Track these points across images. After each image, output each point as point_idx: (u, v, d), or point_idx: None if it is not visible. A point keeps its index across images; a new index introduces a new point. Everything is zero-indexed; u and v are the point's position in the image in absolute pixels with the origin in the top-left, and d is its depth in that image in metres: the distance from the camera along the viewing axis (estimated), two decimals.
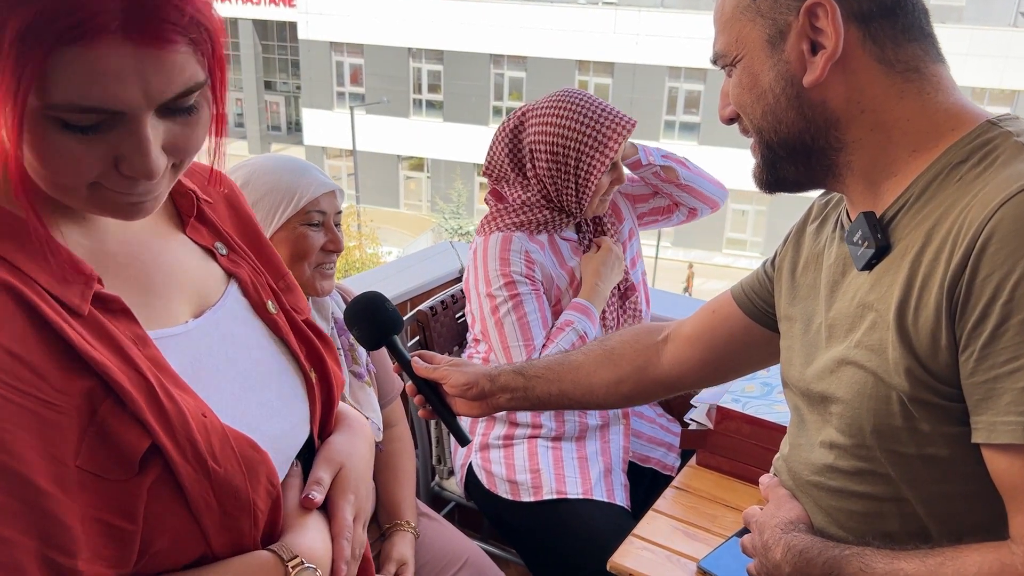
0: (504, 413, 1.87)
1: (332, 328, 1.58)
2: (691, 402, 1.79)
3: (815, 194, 1.09)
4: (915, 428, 0.81)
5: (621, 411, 1.92)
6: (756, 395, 1.73)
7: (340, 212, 1.51)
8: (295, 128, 26.12)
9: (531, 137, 1.79)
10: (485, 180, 1.92)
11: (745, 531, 1.51)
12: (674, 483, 1.68)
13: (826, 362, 0.91)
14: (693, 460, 1.74)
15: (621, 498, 1.81)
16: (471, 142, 20.39)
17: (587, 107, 1.76)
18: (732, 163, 18.24)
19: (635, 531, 1.54)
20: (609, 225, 1.92)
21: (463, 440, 1.32)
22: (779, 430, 1.64)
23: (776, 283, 1.09)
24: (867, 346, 0.84)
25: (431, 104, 21.24)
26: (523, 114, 1.83)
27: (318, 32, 21.24)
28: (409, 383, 1.35)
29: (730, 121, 0.94)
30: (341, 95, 21.92)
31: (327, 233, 1.47)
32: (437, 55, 20.57)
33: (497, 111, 20.44)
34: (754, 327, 1.16)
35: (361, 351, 1.60)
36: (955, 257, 0.74)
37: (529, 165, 1.80)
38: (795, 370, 0.99)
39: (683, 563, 1.47)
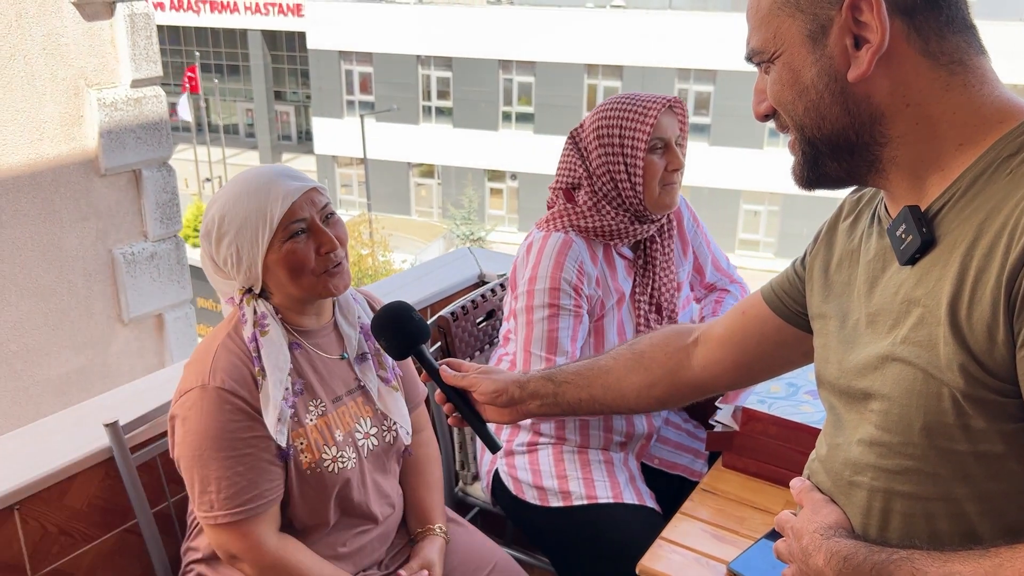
0: (528, 422, 1.86)
1: (358, 333, 1.57)
2: (716, 404, 1.78)
3: (842, 193, 1.09)
4: (968, 425, 0.80)
5: (646, 429, 1.91)
6: (781, 396, 1.71)
7: (327, 206, 1.44)
8: (305, 137, 26.24)
9: (586, 132, 1.80)
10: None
11: (775, 533, 1.50)
12: (701, 485, 1.67)
13: (867, 358, 0.89)
14: (719, 462, 1.73)
15: (650, 502, 1.80)
16: (481, 148, 20.43)
17: (628, 93, 1.79)
18: (743, 163, 18.24)
19: (663, 534, 1.53)
20: (664, 254, 1.89)
21: (493, 447, 1.32)
22: (805, 431, 1.63)
23: (808, 282, 1.08)
24: (914, 342, 0.82)
25: (440, 111, 21.28)
26: (583, 120, 1.85)
27: (327, 41, 21.33)
28: (438, 392, 1.34)
29: (765, 118, 0.93)
30: (351, 103, 22.00)
31: (316, 237, 1.42)
32: (446, 62, 20.62)
33: (506, 116, 20.47)
34: (785, 327, 1.16)
35: (387, 356, 1.59)
36: (1013, 251, 0.73)
37: (588, 161, 1.80)
38: (832, 368, 0.98)
39: (713, 566, 1.46)
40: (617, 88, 19.06)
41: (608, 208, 1.78)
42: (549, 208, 1.88)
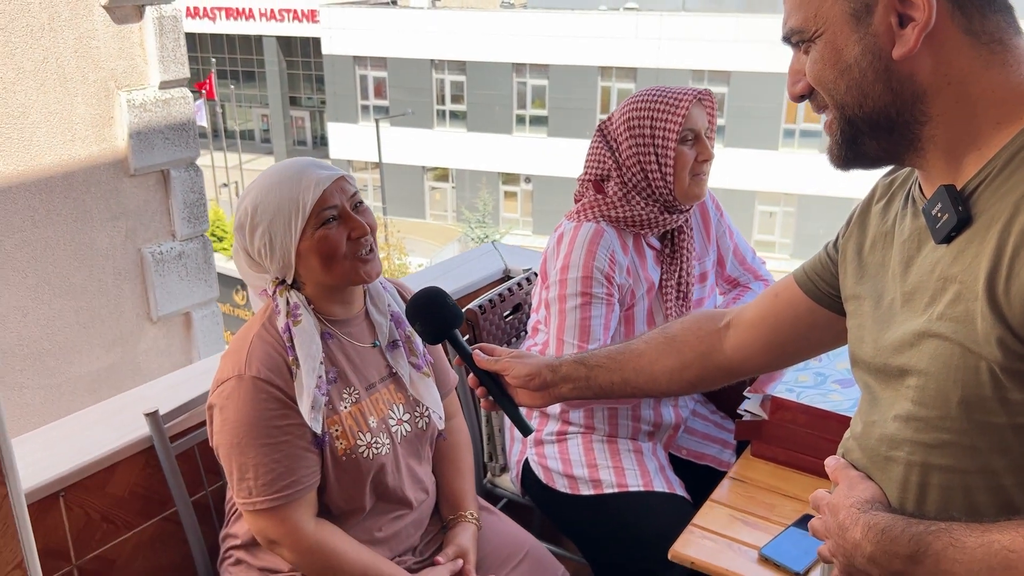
0: (557, 412, 1.88)
1: (388, 321, 1.60)
2: (744, 393, 1.80)
3: (872, 180, 1.10)
4: (1006, 398, 0.81)
5: (673, 419, 1.92)
6: (810, 385, 1.73)
7: (356, 194, 1.48)
8: (321, 142, 26.37)
9: (615, 124, 1.82)
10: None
11: (805, 519, 1.51)
12: (730, 474, 1.69)
13: (904, 335, 0.91)
14: (747, 452, 1.74)
15: (680, 490, 1.81)
16: (495, 151, 20.46)
17: (657, 86, 1.81)
18: (758, 164, 18.18)
19: (694, 521, 1.55)
20: (687, 242, 1.91)
21: (525, 430, 1.34)
22: (835, 419, 1.64)
23: (841, 264, 1.10)
24: (951, 318, 0.84)
25: (454, 114, 21.34)
26: (611, 114, 1.87)
27: (342, 47, 21.45)
28: (471, 376, 1.36)
29: (801, 98, 0.95)
30: (366, 108, 22.10)
31: (347, 223, 1.45)
32: (459, 66, 20.68)
33: (520, 119, 20.50)
34: (818, 310, 1.17)
35: (418, 342, 1.62)
36: None
37: (618, 152, 1.82)
38: (867, 347, 0.99)
39: (744, 551, 1.47)
40: (631, 90, 19.04)
41: (638, 199, 1.80)
42: (576, 200, 1.90)
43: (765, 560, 1.44)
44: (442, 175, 22.44)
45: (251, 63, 26.95)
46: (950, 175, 0.88)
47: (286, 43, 25.91)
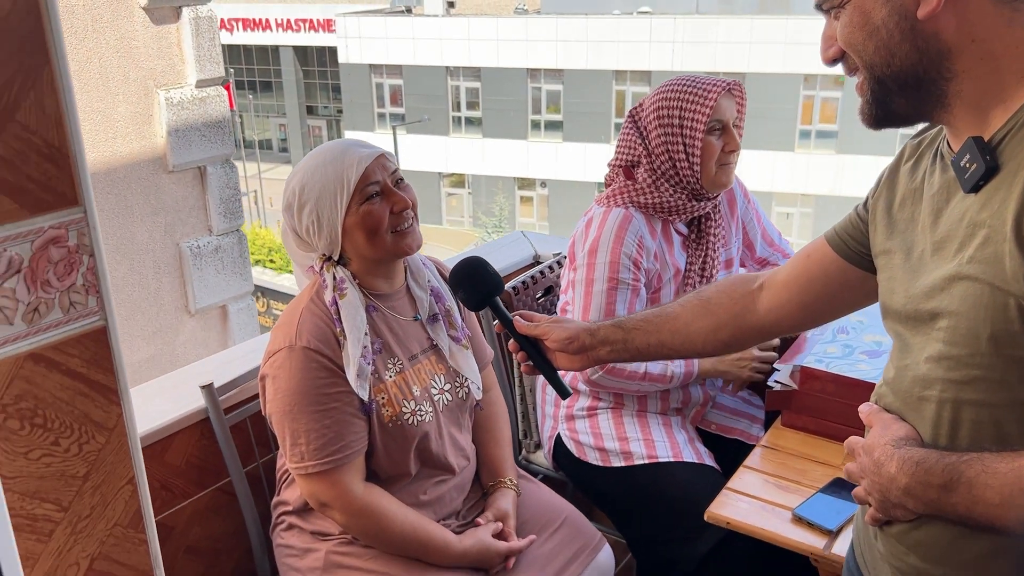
0: (588, 389, 1.94)
1: (428, 296, 1.67)
2: (774, 366, 1.85)
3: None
4: None
5: (702, 396, 1.98)
6: (838, 356, 1.77)
7: (397, 171, 1.55)
8: None
9: (646, 111, 1.88)
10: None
11: (836, 482, 1.56)
12: (761, 443, 1.74)
13: (935, 280, 0.96)
14: (778, 422, 1.80)
15: (709, 460, 1.87)
16: (511, 157, 20.55)
17: (687, 75, 1.87)
18: (774, 165, 18.16)
19: (728, 485, 1.60)
20: (716, 231, 1.97)
21: (564, 393, 1.40)
22: (864, 387, 1.69)
23: (871, 223, 1.15)
24: (980, 260, 0.89)
25: (470, 121, 21.45)
26: (642, 100, 1.92)
27: (358, 55, 21.63)
28: (512, 342, 1.42)
29: (833, 62, 1.00)
30: (382, 116, 22.26)
31: (389, 198, 1.52)
32: (475, 72, 20.80)
33: (535, 125, 20.57)
34: (849, 268, 1.22)
35: (456, 316, 1.68)
36: None
37: (648, 140, 1.88)
38: (898, 297, 1.05)
39: (778, 512, 1.52)
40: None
41: (666, 185, 1.86)
42: (607, 185, 1.96)
43: (799, 520, 1.49)
44: (458, 181, 22.55)
45: (268, 73, 27.21)
46: (978, 128, 0.93)
47: (302, 53, 26.16)
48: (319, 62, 26.36)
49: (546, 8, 22.36)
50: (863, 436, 1.11)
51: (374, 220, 1.50)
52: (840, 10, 0.96)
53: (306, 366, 1.48)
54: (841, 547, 1.42)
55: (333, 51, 23.15)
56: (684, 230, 1.94)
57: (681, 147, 1.82)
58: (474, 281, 1.43)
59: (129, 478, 0.80)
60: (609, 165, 1.96)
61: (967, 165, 0.92)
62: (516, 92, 20.36)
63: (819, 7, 0.99)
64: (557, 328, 1.39)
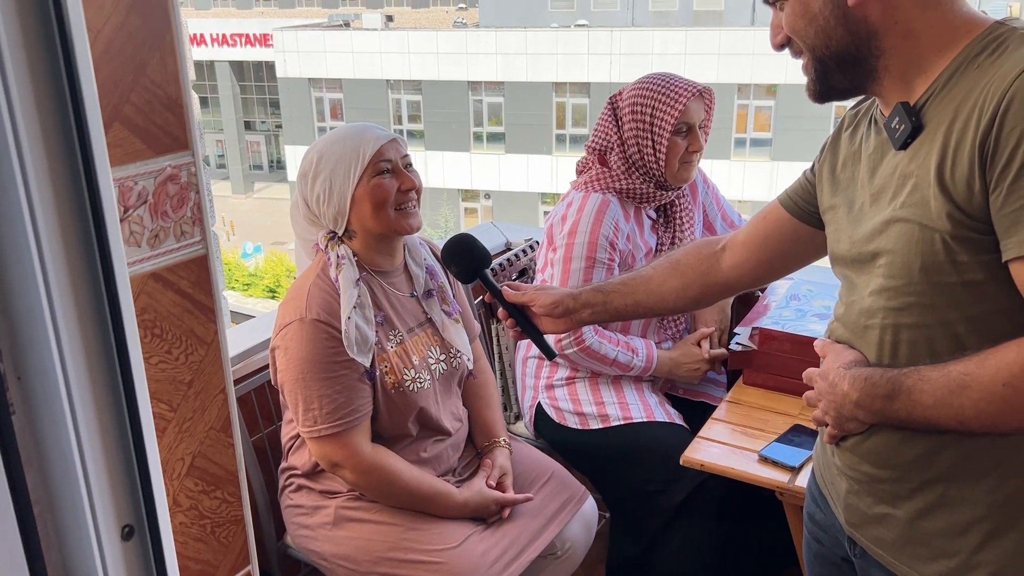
0: (565, 362, 2.09)
1: (424, 273, 1.80)
2: (734, 330, 2.03)
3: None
4: (956, 260, 1.03)
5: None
6: (792, 319, 1.96)
7: (407, 155, 1.70)
8: (277, 166, 26.35)
9: (624, 101, 2.05)
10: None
11: (795, 428, 1.74)
12: (726, 399, 1.92)
13: (874, 225, 1.13)
14: (740, 380, 1.97)
15: (679, 420, 2.04)
16: (454, 168, 20.70)
17: (665, 74, 2.03)
18: (711, 173, 18.69)
19: (700, 434, 1.77)
20: (681, 215, 2.15)
21: (550, 354, 1.54)
22: None
23: (818, 184, 1.33)
24: (910, 204, 1.06)
25: (412, 133, 21.54)
26: (622, 89, 2.09)
27: (296, 69, 21.55)
28: (501, 309, 1.57)
29: (781, 47, 1.17)
30: (322, 130, 22.17)
31: (398, 177, 1.66)
32: (415, 85, 20.92)
33: (478, 137, 20.78)
34: (800, 226, 1.39)
35: (448, 293, 1.82)
36: (983, 120, 0.97)
37: (622, 129, 2.04)
38: (843, 244, 1.21)
39: (745, 455, 1.70)
40: (585, 105, 19.50)
41: (637, 174, 2.03)
42: (580, 170, 2.12)
43: (764, 460, 1.66)
44: None
45: (204, 89, 26.83)
46: (904, 95, 1.11)
47: (239, 67, 25.90)
48: (256, 77, 26.13)
49: (484, 22, 22.65)
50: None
51: (383, 193, 1.63)
52: (784, 2, 1.13)
53: (316, 336, 1.60)
54: (803, 481, 1.59)
55: (271, 65, 22.99)
56: (653, 215, 2.12)
57: (650, 143, 2.00)
58: (465, 255, 1.57)
59: (222, 388, 0.92)
60: (586, 147, 2.12)
61: (896, 126, 1.09)
62: (458, 104, 20.54)
63: (766, 1, 1.17)
64: (542, 295, 1.53)
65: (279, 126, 24.71)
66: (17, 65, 0.58)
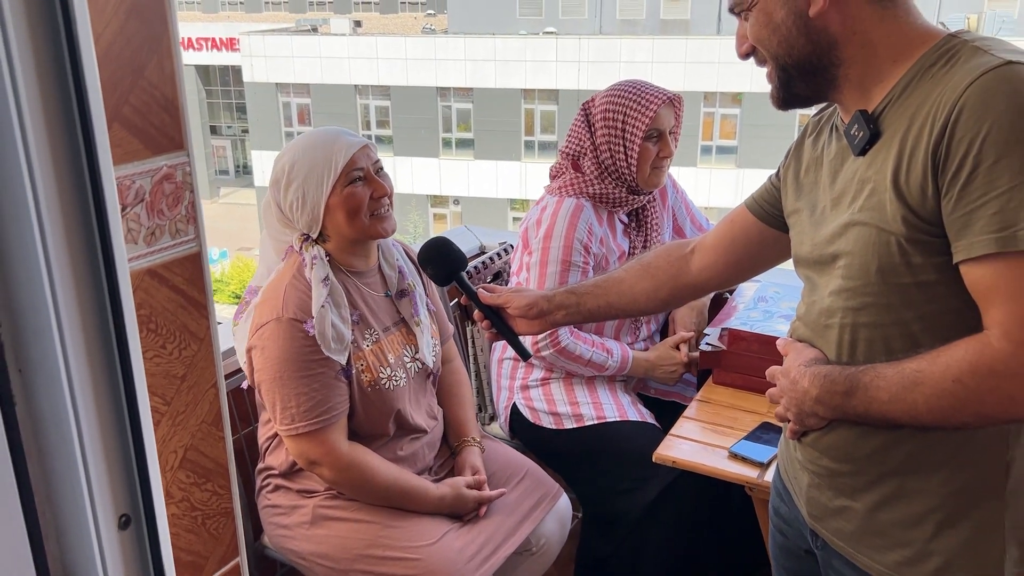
0: (540, 363, 2.13)
1: (397, 274, 1.83)
2: (704, 331, 2.08)
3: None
4: (910, 262, 1.08)
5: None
6: (760, 320, 2.02)
7: (378, 161, 1.72)
8: (243, 171, 26.13)
9: (596, 107, 2.09)
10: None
11: (763, 425, 1.80)
12: (697, 398, 1.97)
13: (834, 228, 1.18)
14: (710, 380, 2.03)
15: (651, 419, 2.08)
16: (423, 174, 20.69)
17: (637, 81, 2.08)
18: (678, 180, 18.89)
19: (671, 432, 1.82)
20: (652, 219, 2.20)
21: (525, 355, 1.57)
22: None
23: (783, 189, 1.38)
24: (868, 208, 1.11)
25: (380, 139, 21.47)
26: (595, 95, 2.13)
27: (263, 74, 21.40)
28: (477, 311, 1.60)
29: (746, 56, 1.22)
30: (289, 135, 22.02)
31: (370, 184, 1.68)
32: (384, 91, 20.88)
33: (447, 143, 20.79)
34: (766, 230, 1.44)
35: (417, 294, 1.85)
36: (935, 128, 1.02)
37: (594, 135, 2.08)
38: (806, 246, 1.26)
39: (716, 451, 1.75)
40: (554, 112, 19.62)
41: (609, 179, 2.08)
42: (553, 175, 2.17)
43: (734, 456, 1.71)
44: None
45: None
46: (863, 103, 1.16)
47: (204, 72, 25.66)
48: (222, 81, 25.91)
49: (453, 28, 22.69)
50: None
51: (356, 201, 1.65)
52: (749, 12, 1.18)
53: (293, 335, 1.62)
54: (771, 476, 1.64)
55: (237, 70, 22.81)
56: (625, 219, 2.17)
57: (622, 149, 2.05)
58: (441, 258, 1.60)
59: (213, 383, 0.94)
60: (560, 151, 2.16)
61: (856, 133, 1.15)
62: (426, 110, 20.53)
63: (731, 11, 1.22)
64: (517, 297, 1.56)
65: (245, 131, 24.51)
66: (26, 68, 0.60)
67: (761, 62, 1.22)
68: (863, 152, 1.14)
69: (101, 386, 0.70)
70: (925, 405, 1.03)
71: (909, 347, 1.09)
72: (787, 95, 1.21)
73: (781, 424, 1.33)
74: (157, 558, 0.75)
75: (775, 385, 1.28)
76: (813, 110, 1.35)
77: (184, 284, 0.90)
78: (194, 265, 0.90)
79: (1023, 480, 1.10)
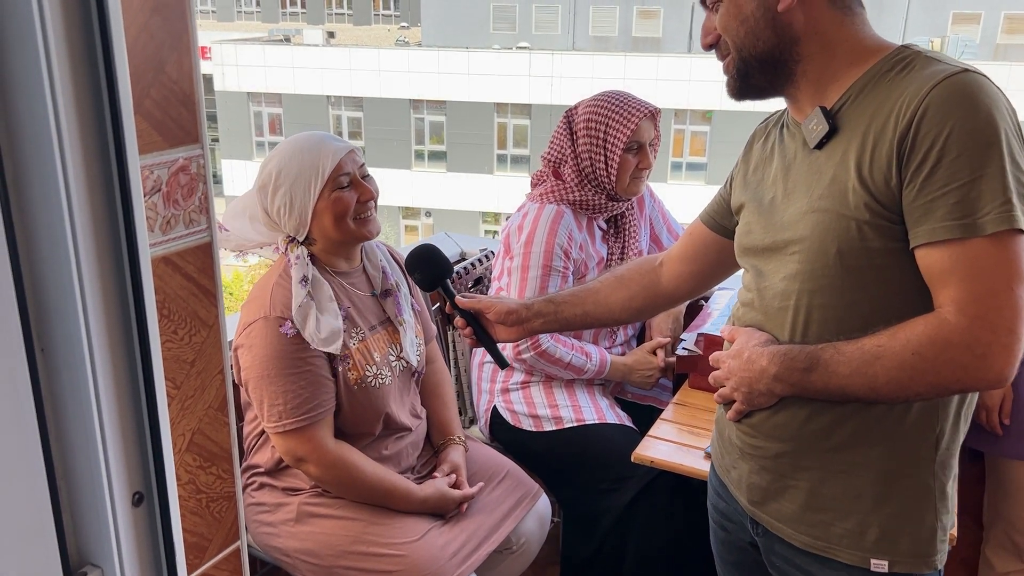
0: (521, 367, 2.17)
1: (380, 274, 1.86)
2: (680, 337, 2.14)
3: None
4: (868, 246, 1.15)
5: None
6: None
7: (363, 166, 1.76)
8: (214, 180, 25.88)
9: (579, 116, 2.15)
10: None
11: None
12: (673, 401, 2.02)
13: (792, 215, 1.24)
14: (686, 385, 2.08)
15: (628, 422, 2.13)
16: (395, 186, 20.68)
17: (619, 93, 2.14)
18: (665, 195, 19.10)
19: (649, 433, 1.87)
20: (630, 226, 2.26)
21: (502, 363, 1.61)
22: None
23: (732, 190, 1.45)
24: (828, 196, 1.18)
25: None
26: (578, 104, 2.18)
27: (235, 83, 21.30)
28: (458, 318, 1.64)
29: (709, 47, 1.30)
30: (260, 144, 21.93)
31: (356, 188, 1.72)
32: (356, 102, 20.89)
33: (419, 155, 20.83)
34: (721, 240, 1.51)
35: (400, 294, 1.89)
36: (901, 123, 1.11)
37: (576, 143, 2.14)
38: (755, 236, 1.32)
39: (692, 452, 1.80)
40: (526, 126, 19.76)
41: (589, 186, 2.14)
42: (535, 182, 2.22)
43: (709, 456, 1.76)
44: None
45: None
46: (818, 100, 1.23)
47: None
48: None
49: (427, 41, 22.78)
50: None
51: (343, 206, 1.69)
52: (719, 3, 1.26)
53: (280, 334, 1.65)
54: None
55: (208, 78, 22.67)
56: (604, 226, 2.23)
57: (602, 159, 2.11)
58: (429, 264, 1.64)
59: (220, 369, 0.97)
60: (542, 158, 2.22)
61: (814, 127, 1.22)
62: (399, 122, 20.56)
63: (702, 3, 1.29)
64: (497, 304, 1.60)
65: (216, 140, 24.35)
66: (61, 64, 0.64)
67: (723, 55, 1.29)
68: (820, 146, 1.21)
69: (120, 367, 0.73)
70: (885, 377, 1.10)
71: (860, 327, 1.16)
72: (743, 85, 1.28)
73: (722, 405, 1.38)
74: (168, 535, 0.78)
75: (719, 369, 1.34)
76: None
77: (196, 272, 0.94)
78: (205, 254, 0.94)
79: (949, 452, 1.20)
